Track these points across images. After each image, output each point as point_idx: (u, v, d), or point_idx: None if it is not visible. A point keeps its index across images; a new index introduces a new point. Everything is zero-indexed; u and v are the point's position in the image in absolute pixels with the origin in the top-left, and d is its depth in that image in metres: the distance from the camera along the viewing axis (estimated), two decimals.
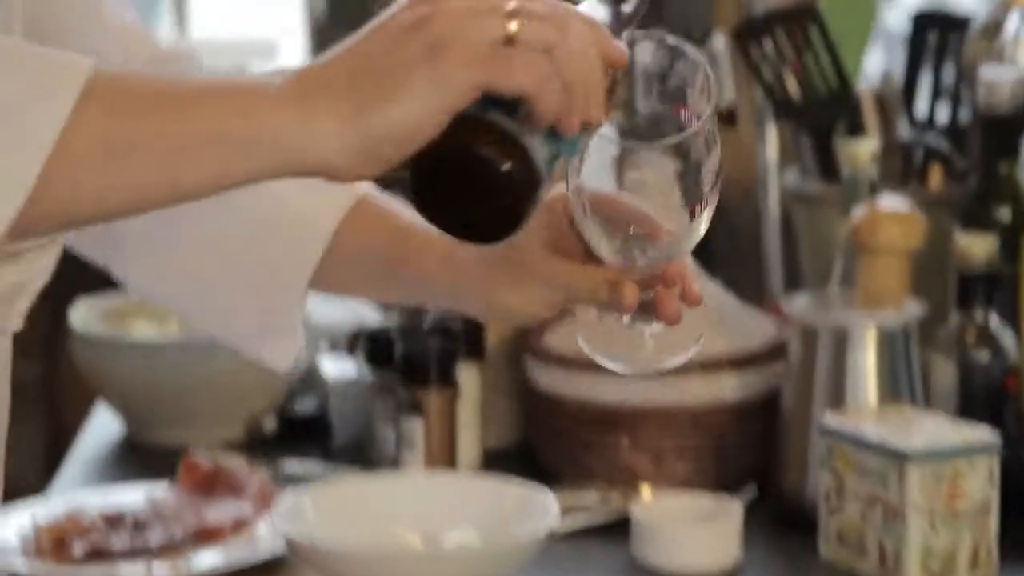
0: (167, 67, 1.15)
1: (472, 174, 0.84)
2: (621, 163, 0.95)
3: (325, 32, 4.08)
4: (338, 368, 1.74)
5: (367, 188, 1.12)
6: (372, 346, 1.65)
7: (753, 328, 1.60)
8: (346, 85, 0.82)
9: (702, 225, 0.95)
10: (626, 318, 0.99)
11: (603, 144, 0.92)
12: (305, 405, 1.76)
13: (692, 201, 0.94)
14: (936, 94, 1.84)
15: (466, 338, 1.62)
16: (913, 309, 1.50)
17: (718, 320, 1.58)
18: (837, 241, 1.59)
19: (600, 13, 0.91)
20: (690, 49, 0.94)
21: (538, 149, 0.85)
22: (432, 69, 0.82)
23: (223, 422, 1.72)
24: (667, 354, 1.01)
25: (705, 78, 0.93)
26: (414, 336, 1.61)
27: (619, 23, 0.92)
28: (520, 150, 0.84)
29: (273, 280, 1.10)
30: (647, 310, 1.00)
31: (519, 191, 0.85)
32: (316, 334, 1.70)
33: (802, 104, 1.77)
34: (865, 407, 1.47)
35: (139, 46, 1.15)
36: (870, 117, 1.79)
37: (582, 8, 0.90)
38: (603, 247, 0.97)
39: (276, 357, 1.13)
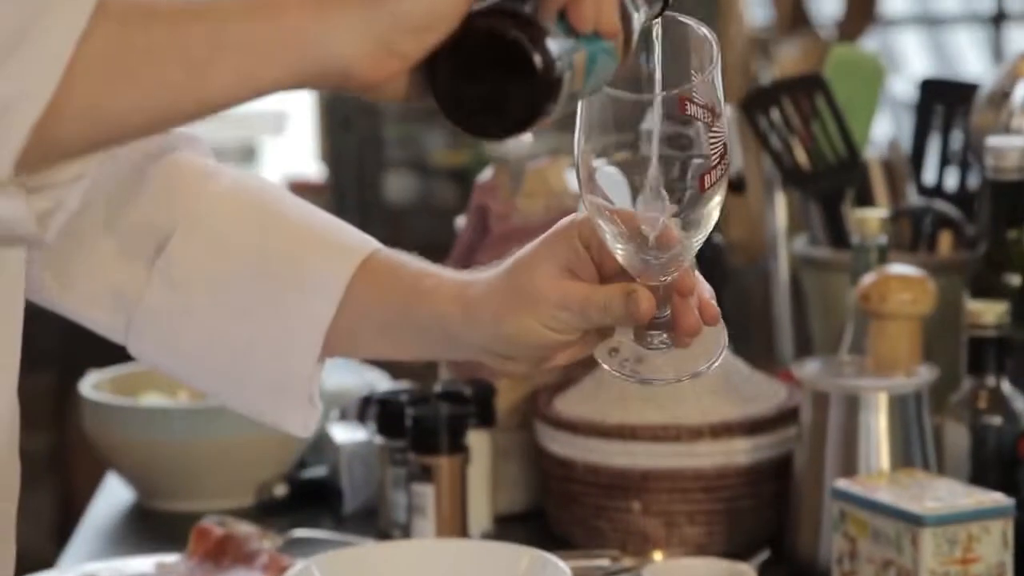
0: None
1: (496, 57, 0.84)
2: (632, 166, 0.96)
3: (334, 105, 4.11)
4: (349, 434, 1.74)
5: (376, 245, 1.12)
6: (382, 412, 1.65)
7: (764, 393, 1.60)
8: None
9: (714, 205, 0.96)
10: (650, 337, 1.00)
11: (612, 175, 0.94)
12: (316, 471, 1.76)
13: (700, 172, 0.95)
14: (944, 161, 1.85)
15: (476, 404, 1.62)
16: (924, 374, 1.50)
17: (729, 385, 1.58)
18: (847, 307, 1.59)
19: None
20: (700, 26, 0.97)
21: (556, 40, 0.85)
22: None
23: (233, 489, 1.72)
24: (688, 368, 1.01)
25: (711, 49, 0.96)
26: (424, 402, 1.61)
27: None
28: (539, 32, 0.84)
29: (287, 344, 1.10)
30: (663, 327, 1.01)
31: (542, 77, 0.84)
32: (326, 400, 1.69)
33: (810, 172, 1.78)
34: (878, 471, 1.47)
35: None
36: (878, 184, 1.80)
37: None
38: (619, 249, 0.98)
39: (296, 424, 1.13)
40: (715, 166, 0.97)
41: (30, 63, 0.77)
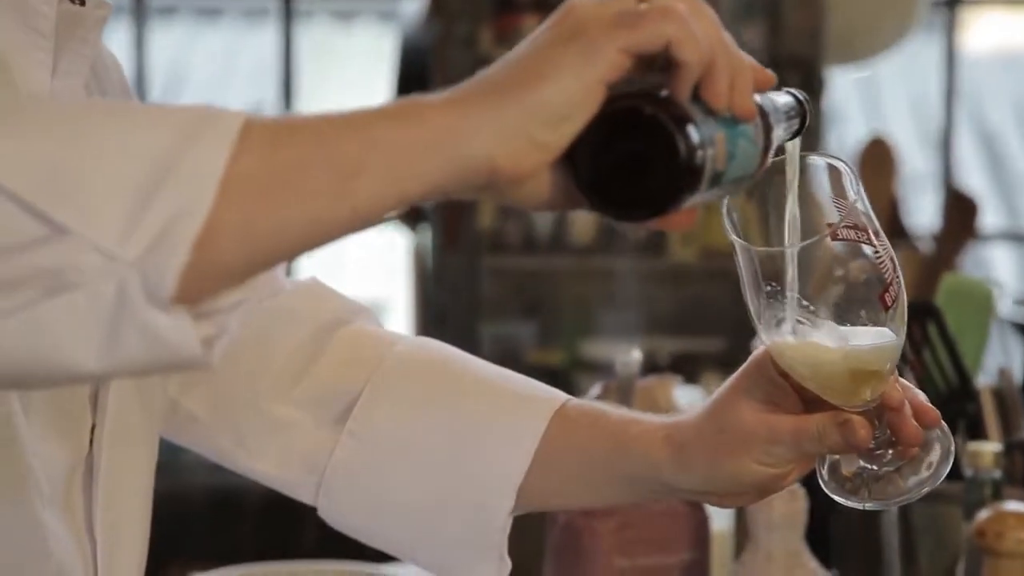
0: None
1: (636, 139, 0.84)
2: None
3: (431, 300, 4.14)
4: None
5: (566, 396, 1.12)
6: None
7: None
8: (499, 79, 0.83)
9: (901, 318, 0.97)
10: (874, 459, 0.99)
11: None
12: None
13: (879, 292, 0.97)
14: None
15: None
16: None
17: None
18: (958, 541, 1.57)
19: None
20: (830, 158, 0.99)
21: (694, 118, 0.85)
22: (577, 43, 0.83)
23: None
24: (919, 482, 1.00)
25: (849, 175, 0.98)
26: None
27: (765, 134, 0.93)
28: (678, 109, 0.84)
29: (481, 500, 1.11)
30: (884, 444, 0.99)
31: (684, 153, 0.84)
32: None
33: None
34: None
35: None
36: (990, 414, 1.79)
37: None
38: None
39: None
40: (891, 282, 0.97)
41: (184, 185, 0.78)
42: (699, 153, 0.84)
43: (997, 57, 6.50)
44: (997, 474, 1.57)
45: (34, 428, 0.99)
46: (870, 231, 0.97)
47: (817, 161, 1.00)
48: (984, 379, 1.85)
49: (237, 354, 1.17)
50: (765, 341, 0.99)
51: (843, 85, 5.40)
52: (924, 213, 4.98)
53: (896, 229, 3.77)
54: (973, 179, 5.98)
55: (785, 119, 0.94)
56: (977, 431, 1.75)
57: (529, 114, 0.83)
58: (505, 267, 4.19)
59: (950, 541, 1.64)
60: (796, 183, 0.99)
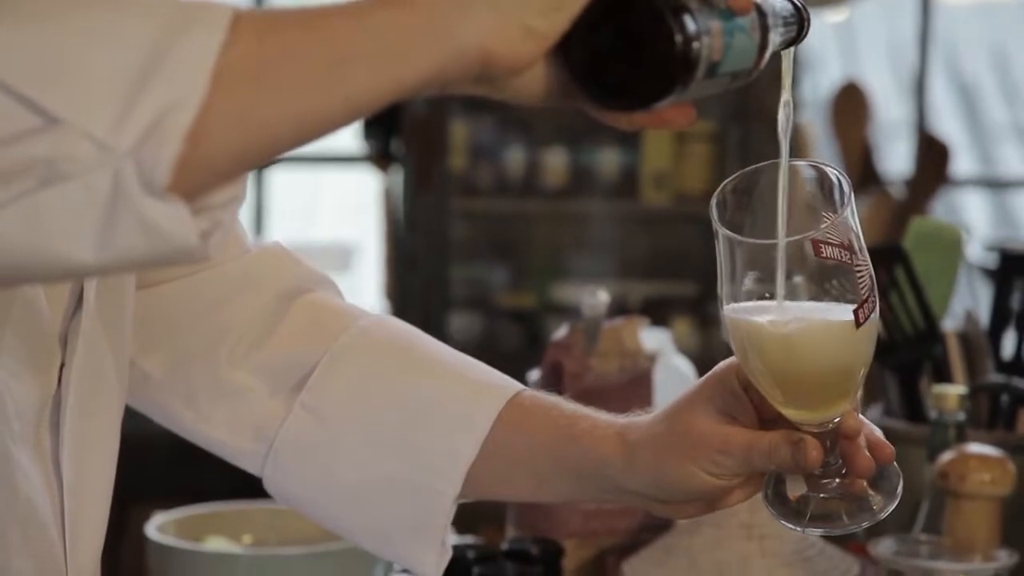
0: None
1: (631, 25, 0.83)
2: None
3: (401, 243, 4.13)
4: None
5: (520, 386, 1.11)
6: (449, 568, 1.63)
7: (838, 567, 1.57)
8: None
9: (869, 339, 0.96)
10: (821, 484, 0.98)
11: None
12: None
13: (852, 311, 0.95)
14: (1022, 335, 1.83)
15: (543, 564, 1.60)
16: (1004, 558, 1.48)
17: (802, 559, 1.55)
18: (922, 483, 1.57)
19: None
20: (826, 167, 0.98)
21: (689, 6, 0.84)
22: None
23: None
24: (863, 514, 0.99)
25: (842, 188, 0.97)
26: (491, 560, 1.59)
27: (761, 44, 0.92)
28: (679, 3, 0.84)
29: (428, 481, 1.10)
30: (834, 473, 0.99)
31: (681, 41, 0.83)
32: None
33: (887, 343, 1.77)
34: None
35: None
36: (955, 358, 1.79)
37: None
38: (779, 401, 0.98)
39: (429, 566, 1.12)
40: (865, 300, 0.96)
41: (176, 75, 0.77)
42: (695, 41, 0.84)
43: (974, 5, 6.49)
44: (961, 416, 1.57)
45: (6, 365, 0.98)
46: (855, 248, 0.96)
47: (809, 170, 0.99)
48: (951, 323, 1.85)
49: (197, 317, 1.16)
50: (726, 315, 0.98)
51: (819, 30, 5.39)
52: (899, 160, 4.98)
53: (869, 175, 3.77)
54: (948, 126, 5.98)
55: (783, 24, 0.93)
56: (943, 374, 1.75)
57: (522, 4, 0.82)
58: (476, 210, 4.18)
59: (913, 483, 1.63)
60: (790, 94, 0.98)
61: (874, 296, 0.97)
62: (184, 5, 0.80)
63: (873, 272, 0.97)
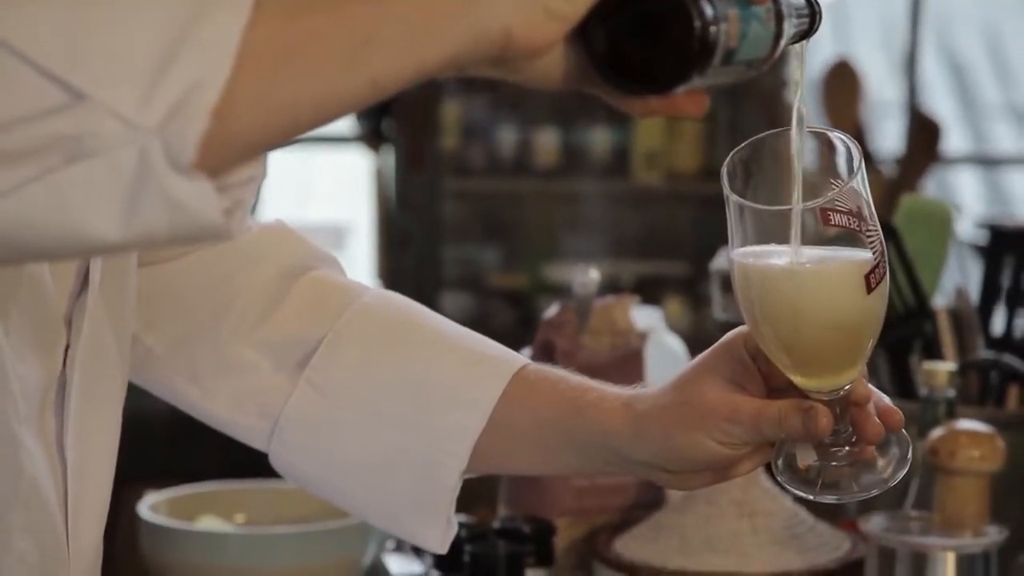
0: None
1: (650, 10, 0.84)
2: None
3: (394, 223, 4.13)
4: (404, 566, 1.72)
5: (526, 360, 1.11)
6: None
7: (828, 543, 1.58)
8: None
9: (880, 301, 0.96)
10: (831, 452, 0.98)
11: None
12: None
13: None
14: (1013, 311, 1.84)
15: (535, 542, 1.60)
16: (993, 534, 1.48)
17: (792, 535, 1.56)
18: (914, 460, 1.57)
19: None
20: (835, 133, 0.98)
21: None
22: None
23: None
24: (873, 481, 0.99)
25: (853, 155, 0.97)
26: (482, 538, 1.59)
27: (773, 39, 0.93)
28: None
29: (434, 456, 1.10)
30: (844, 441, 0.99)
31: (699, 25, 0.84)
32: (382, 532, 1.68)
33: None
34: None
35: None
36: (946, 334, 1.79)
37: None
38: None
39: (434, 540, 1.12)
40: (877, 265, 0.97)
41: (200, 53, 0.78)
42: (713, 27, 0.84)
43: None
44: (951, 393, 1.57)
45: (12, 346, 0.98)
46: (864, 215, 0.96)
47: (820, 134, 0.99)
48: (942, 300, 1.85)
49: (200, 293, 1.16)
50: (736, 260, 0.98)
51: None
52: (891, 138, 4.98)
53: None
54: (941, 105, 5.98)
55: (796, 15, 0.94)
56: (933, 351, 1.76)
57: None
58: (468, 190, 4.18)
59: None
60: (803, 86, 0.98)
61: (884, 263, 0.97)
62: None
63: (884, 240, 0.97)
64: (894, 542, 1.48)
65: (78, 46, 0.77)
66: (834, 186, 0.96)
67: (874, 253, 0.96)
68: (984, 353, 1.78)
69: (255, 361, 1.15)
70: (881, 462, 1.00)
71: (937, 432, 1.51)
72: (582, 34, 0.85)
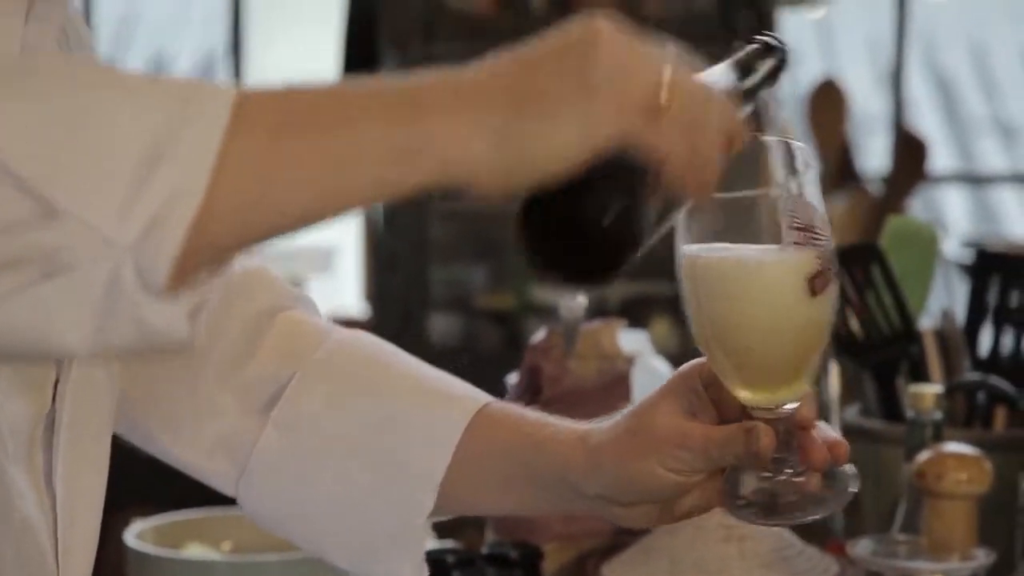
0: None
1: (580, 222, 0.85)
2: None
3: (381, 245, 4.12)
4: None
5: (488, 398, 1.12)
6: (429, 572, 1.63)
7: (816, 567, 1.58)
8: (504, 103, 0.83)
9: (827, 307, 0.96)
10: (774, 475, 0.99)
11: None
12: None
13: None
14: (998, 333, 1.84)
15: (523, 568, 1.60)
16: (981, 558, 1.48)
17: (780, 558, 1.56)
18: (900, 482, 1.57)
19: (725, 81, 0.92)
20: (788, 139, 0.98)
21: (646, 212, 0.87)
22: (587, 105, 0.83)
23: None
24: (814, 507, 0.99)
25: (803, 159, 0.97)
26: (470, 564, 1.59)
27: (738, 95, 0.94)
28: (631, 211, 0.86)
29: (402, 496, 1.10)
30: (790, 466, 0.99)
31: (616, 248, 0.86)
32: None
33: (864, 343, 1.77)
34: None
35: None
36: (932, 356, 1.79)
37: (711, 73, 0.92)
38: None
39: None
40: (821, 271, 0.97)
41: (179, 168, 0.78)
42: (635, 250, 0.87)
43: (953, 0, 6.51)
44: (938, 416, 1.57)
45: (1, 385, 0.98)
46: (815, 222, 0.97)
47: (771, 141, 0.99)
48: (928, 321, 1.86)
49: None
50: (684, 255, 0.99)
51: (797, 26, 5.39)
52: (877, 156, 4.98)
53: (847, 172, 3.77)
54: (927, 122, 5.99)
55: (758, 64, 0.95)
56: (919, 373, 1.76)
57: (520, 159, 0.83)
58: (456, 210, 4.18)
59: (890, 482, 1.64)
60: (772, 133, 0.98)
61: (832, 270, 0.97)
62: (188, 89, 0.80)
63: (833, 247, 0.97)
64: (882, 566, 1.48)
65: (56, 157, 0.77)
66: (783, 192, 0.97)
67: (820, 259, 0.96)
68: (971, 375, 1.78)
69: (226, 405, 1.15)
70: (825, 490, 1.00)
71: (924, 455, 1.51)
72: (525, 204, 0.86)
